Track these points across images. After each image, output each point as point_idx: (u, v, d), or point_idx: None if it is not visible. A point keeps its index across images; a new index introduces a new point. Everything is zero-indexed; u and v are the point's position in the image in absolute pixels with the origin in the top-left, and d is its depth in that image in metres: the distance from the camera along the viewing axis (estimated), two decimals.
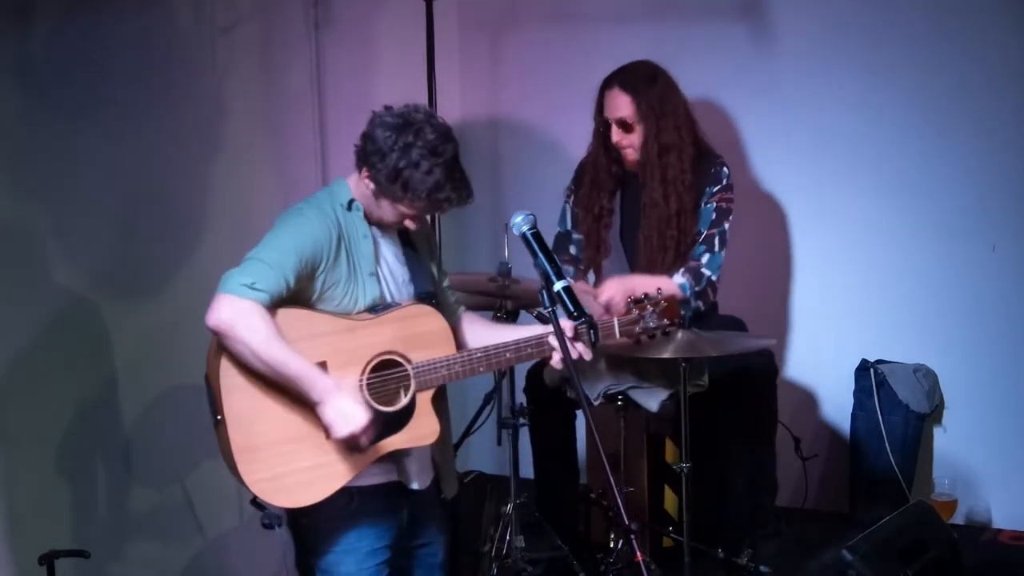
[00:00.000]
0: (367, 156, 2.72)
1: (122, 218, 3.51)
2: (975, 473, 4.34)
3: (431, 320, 2.81)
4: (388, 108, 2.75)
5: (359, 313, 2.77)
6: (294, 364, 2.63)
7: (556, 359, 2.81)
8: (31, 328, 3.25)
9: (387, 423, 2.73)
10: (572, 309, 2.64)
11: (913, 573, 3.32)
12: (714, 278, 3.89)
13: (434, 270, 2.97)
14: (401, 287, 2.86)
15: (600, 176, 4.03)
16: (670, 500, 4.12)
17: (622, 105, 3.90)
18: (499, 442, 3.89)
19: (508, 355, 2.85)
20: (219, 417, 2.67)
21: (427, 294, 2.88)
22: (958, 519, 4.29)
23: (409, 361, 2.77)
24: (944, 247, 4.35)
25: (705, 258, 3.88)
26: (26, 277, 3.25)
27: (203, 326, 3.68)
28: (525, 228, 2.68)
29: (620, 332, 3.00)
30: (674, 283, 3.85)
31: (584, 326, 2.82)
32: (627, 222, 4.02)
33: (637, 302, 3.04)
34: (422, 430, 2.78)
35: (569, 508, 4.11)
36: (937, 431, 4.44)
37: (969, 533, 4.21)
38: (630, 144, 3.92)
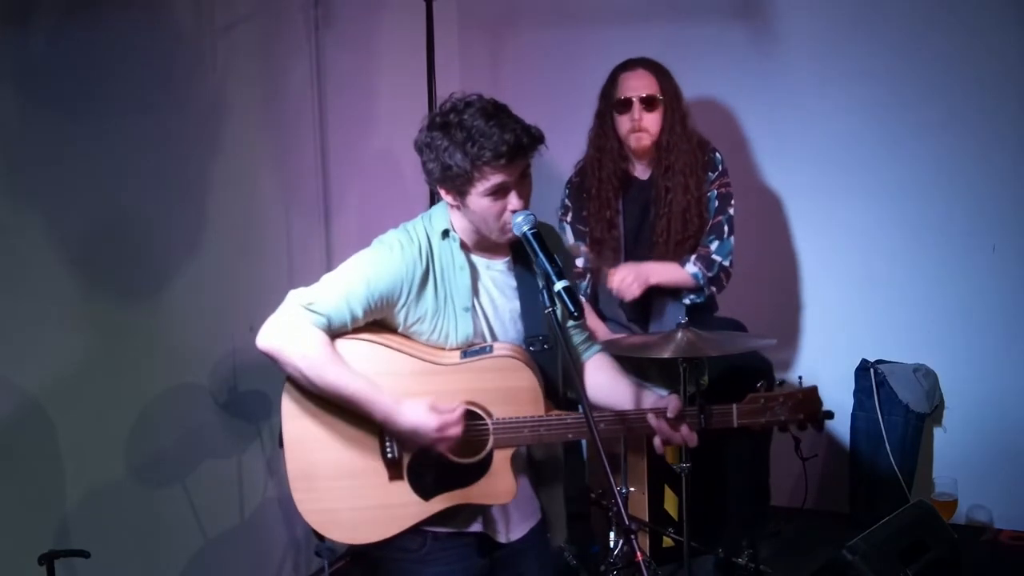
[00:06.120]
0: (430, 173, 2.56)
1: (122, 218, 3.51)
2: (975, 473, 4.34)
3: (520, 376, 2.60)
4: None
5: (451, 350, 2.61)
6: (350, 384, 2.51)
7: (658, 443, 2.64)
8: (28, 328, 3.25)
9: (455, 474, 2.59)
10: (572, 309, 2.61)
11: (913, 573, 3.32)
12: (726, 263, 3.96)
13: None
14: (507, 323, 2.67)
15: (606, 174, 4.03)
16: (670, 500, 4.12)
17: (648, 84, 3.92)
18: None
19: (602, 426, 2.60)
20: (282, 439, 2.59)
21: (538, 337, 2.67)
22: (958, 519, 4.29)
23: (490, 415, 2.60)
24: (944, 247, 4.36)
25: (715, 245, 3.95)
26: (25, 277, 3.24)
27: (202, 325, 3.72)
28: (525, 228, 2.65)
29: (739, 422, 2.69)
30: (686, 272, 3.89)
31: (695, 409, 2.65)
32: (630, 221, 4.02)
33: (767, 394, 2.71)
34: (496, 488, 2.61)
35: (569, 508, 4.10)
36: (937, 431, 4.44)
37: (969, 533, 4.21)
38: (647, 127, 3.93)
